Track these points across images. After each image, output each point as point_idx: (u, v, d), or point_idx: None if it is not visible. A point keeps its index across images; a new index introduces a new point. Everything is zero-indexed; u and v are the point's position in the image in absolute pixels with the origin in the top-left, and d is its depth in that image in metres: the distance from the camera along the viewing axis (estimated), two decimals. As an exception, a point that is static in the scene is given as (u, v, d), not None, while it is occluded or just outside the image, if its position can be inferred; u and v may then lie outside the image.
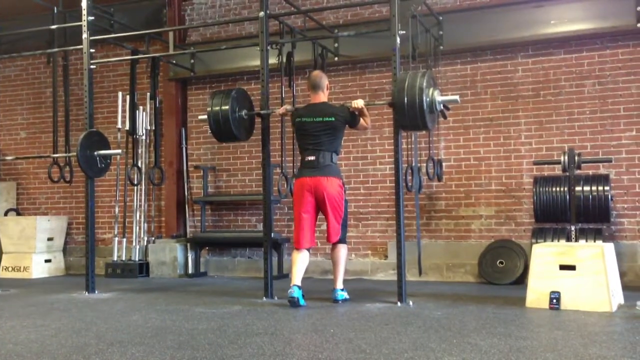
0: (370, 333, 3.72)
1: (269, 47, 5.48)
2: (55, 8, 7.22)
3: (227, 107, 5.31)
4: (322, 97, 5.07)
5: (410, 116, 4.70)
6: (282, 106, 5.55)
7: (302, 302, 4.76)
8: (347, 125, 5.07)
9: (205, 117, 5.44)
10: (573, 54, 6.37)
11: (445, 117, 6.36)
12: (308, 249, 5.01)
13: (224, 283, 6.77)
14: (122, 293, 5.90)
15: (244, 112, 5.45)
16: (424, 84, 4.66)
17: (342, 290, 5.04)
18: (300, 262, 4.91)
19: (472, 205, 6.66)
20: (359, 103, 5.01)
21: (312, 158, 4.91)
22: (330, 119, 4.93)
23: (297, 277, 4.84)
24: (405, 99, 4.68)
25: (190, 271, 7.44)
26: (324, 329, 3.90)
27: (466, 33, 6.54)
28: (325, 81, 5.09)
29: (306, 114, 5.02)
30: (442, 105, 4.93)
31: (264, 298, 5.20)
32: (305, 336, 3.69)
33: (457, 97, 5.00)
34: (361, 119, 5.08)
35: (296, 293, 4.75)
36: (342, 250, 5.07)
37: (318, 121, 4.94)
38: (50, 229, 7.95)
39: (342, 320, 4.19)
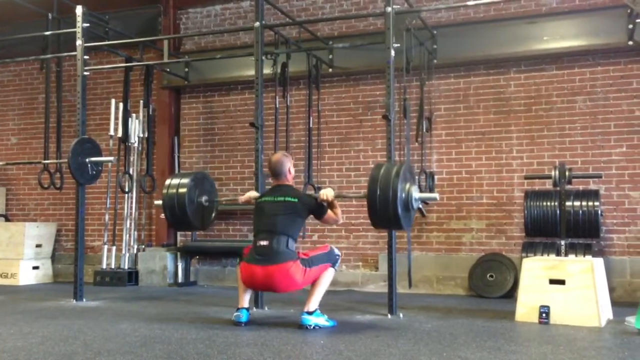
0: (361, 345, 3.71)
1: (263, 58, 5.48)
2: (49, 14, 7.20)
3: (184, 190, 4.82)
4: (286, 182, 4.56)
5: (382, 211, 4.17)
6: (245, 194, 4.85)
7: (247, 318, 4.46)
8: (310, 215, 4.52)
9: (160, 203, 4.97)
10: (565, 70, 6.42)
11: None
12: None
13: (213, 292, 6.74)
14: (110, 301, 5.86)
15: (203, 199, 4.99)
16: (399, 180, 4.14)
17: (309, 314, 4.28)
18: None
19: (463, 218, 6.68)
20: (328, 194, 4.42)
21: (265, 243, 4.27)
22: (293, 199, 4.39)
23: (244, 298, 4.49)
24: (378, 192, 4.15)
25: (180, 280, 7.41)
26: (314, 340, 3.89)
27: (460, 47, 6.59)
28: (287, 165, 4.52)
29: (267, 194, 4.57)
30: (419, 202, 4.45)
31: (254, 308, 5.17)
32: (295, 347, 3.67)
33: (436, 195, 4.85)
34: (329, 211, 4.50)
35: (244, 317, 4.43)
36: (328, 270, 4.40)
37: (279, 201, 4.39)
38: (39, 235, 7.89)
39: (332, 332, 4.18)
